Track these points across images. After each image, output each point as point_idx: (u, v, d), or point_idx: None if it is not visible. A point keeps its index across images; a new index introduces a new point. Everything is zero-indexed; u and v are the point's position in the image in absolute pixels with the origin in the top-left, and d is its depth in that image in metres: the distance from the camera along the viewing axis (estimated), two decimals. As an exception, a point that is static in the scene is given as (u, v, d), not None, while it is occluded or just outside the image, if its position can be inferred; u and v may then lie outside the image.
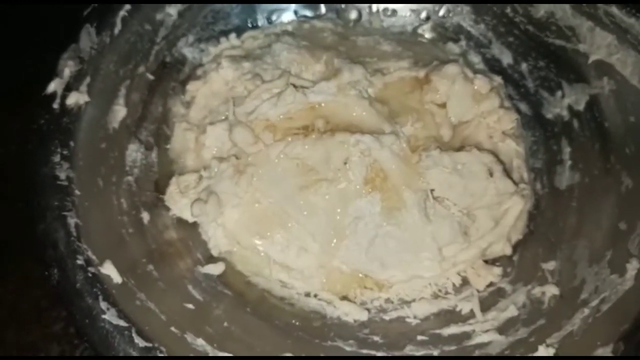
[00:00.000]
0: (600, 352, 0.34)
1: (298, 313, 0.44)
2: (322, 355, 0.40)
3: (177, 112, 0.50)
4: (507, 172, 0.46)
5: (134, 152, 0.46)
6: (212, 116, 0.49)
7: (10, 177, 0.43)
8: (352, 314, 0.43)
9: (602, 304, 0.37)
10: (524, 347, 0.38)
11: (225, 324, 0.40)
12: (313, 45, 0.52)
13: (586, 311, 0.38)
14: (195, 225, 0.46)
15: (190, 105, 0.50)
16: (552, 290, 0.41)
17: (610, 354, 0.33)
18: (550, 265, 0.43)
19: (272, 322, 0.42)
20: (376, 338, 0.42)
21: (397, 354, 0.40)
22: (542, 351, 0.36)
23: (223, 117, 0.48)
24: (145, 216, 0.43)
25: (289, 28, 0.55)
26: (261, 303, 0.44)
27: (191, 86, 0.50)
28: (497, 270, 0.44)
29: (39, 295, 0.40)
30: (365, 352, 0.40)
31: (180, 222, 0.46)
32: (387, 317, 0.43)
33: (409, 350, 0.40)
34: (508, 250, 0.45)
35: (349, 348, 0.41)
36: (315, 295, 0.44)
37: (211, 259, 0.45)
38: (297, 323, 0.42)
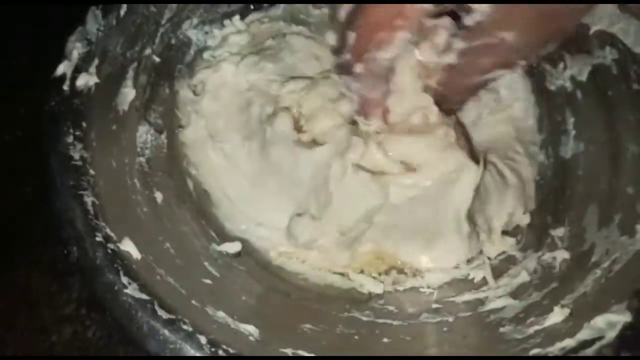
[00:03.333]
0: (615, 308, 0.34)
1: (312, 288, 0.44)
2: (339, 325, 0.40)
3: (185, 96, 0.51)
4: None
5: (144, 134, 0.46)
6: (226, 114, 0.49)
7: (24, 159, 0.43)
8: (366, 285, 0.44)
9: (614, 265, 0.38)
10: (539, 309, 0.38)
11: (243, 297, 0.40)
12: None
13: (598, 272, 0.38)
14: (207, 203, 0.47)
15: (202, 93, 0.50)
16: (563, 255, 0.42)
17: (625, 310, 0.34)
18: (560, 232, 0.44)
19: (288, 295, 0.42)
20: (391, 308, 0.43)
21: (412, 321, 0.40)
22: (557, 312, 0.37)
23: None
24: (159, 196, 0.44)
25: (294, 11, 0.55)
26: (275, 278, 0.44)
27: (201, 74, 0.51)
28: (511, 241, 0.45)
29: (50, 279, 0.40)
30: (381, 321, 0.41)
31: (193, 202, 0.46)
32: (401, 288, 0.44)
33: (424, 318, 0.41)
34: (526, 220, 0.46)
35: (365, 318, 0.41)
36: (329, 269, 0.45)
37: (226, 238, 0.45)
38: (312, 296, 0.43)
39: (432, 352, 0.38)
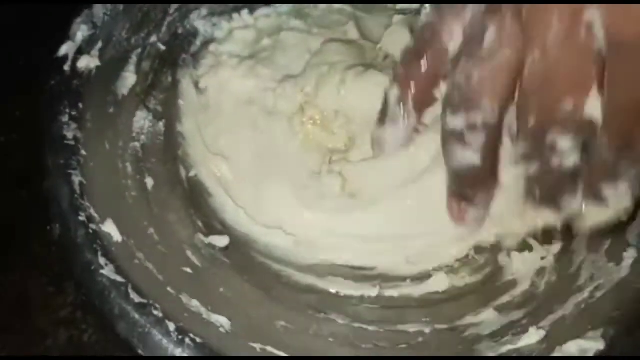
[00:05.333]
0: (590, 335, 0.34)
1: (294, 285, 0.44)
2: (314, 325, 0.40)
3: (188, 87, 0.51)
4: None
5: (142, 120, 0.47)
6: (225, 122, 0.49)
7: (19, 134, 0.44)
8: (347, 288, 0.44)
9: (597, 291, 0.38)
10: (515, 329, 0.38)
11: (222, 289, 0.40)
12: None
13: (580, 297, 0.38)
14: (198, 193, 0.47)
15: (203, 92, 0.51)
16: (550, 275, 0.41)
17: (599, 338, 0.33)
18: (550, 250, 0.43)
19: (268, 292, 0.42)
20: (371, 317, 0.42)
21: (389, 328, 0.40)
22: (532, 333, 0.36)
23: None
24: (150, 182, 0.44)
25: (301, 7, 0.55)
26: (259, 274, 0.44)
27: (203, 70, 0.51)
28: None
29: (45, 282, 0.40)
30: (357, 325, 0.41)
31: (184, 191, 0.47)
32: (386, 294, 0.44)
33: (401, 327, 0.41)
34: None
35: (341, 321, 0.41)
36: (313, 270, 0.45)
37: (214, 230, 0.46)
38: (292, 295, 0.43)
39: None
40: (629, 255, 0.38)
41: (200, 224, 0.45)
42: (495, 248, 0.43)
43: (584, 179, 0.31)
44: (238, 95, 0.49)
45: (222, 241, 0.45)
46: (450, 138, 0.33)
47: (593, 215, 0.33)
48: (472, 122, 0.31)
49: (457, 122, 0.31)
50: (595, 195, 0.31)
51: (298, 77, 0.48)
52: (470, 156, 0.32)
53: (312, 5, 0.55)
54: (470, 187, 0.34)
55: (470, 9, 0.31)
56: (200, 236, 0.44)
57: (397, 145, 0.39)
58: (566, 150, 0.29)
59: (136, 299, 0.34)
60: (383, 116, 0.38)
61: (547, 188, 0.32)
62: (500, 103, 0.30)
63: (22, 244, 0.41)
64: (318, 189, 0.46)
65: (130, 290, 0.35)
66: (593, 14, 0.27)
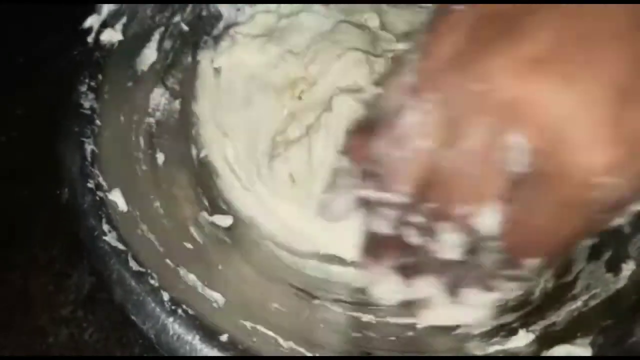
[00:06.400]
0: (578, 342, 0.34)
1: (293, 270, 0.45)
2: (307, 310, 0.41)
3: (206, 68, 0.52)
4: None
5: (158, 96, 0.48)
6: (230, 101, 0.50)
7: (20, 132, 0.45)
8: (344, 279, 0.44)
9: (591, 300, 0.37)
10: (506, 330, 0.38)
11: (220, 267, 0.41)
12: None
13: (573, 305, 0.38)
14: (207, 173, 0.48)
15: (219, 72, 0.51)
16: (546, 283, 0.41)
17: (587, 345, 0.33)
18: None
19: (265, 274, 0.43)
20: (364, 309, 0.43)
21: (380, 319, 0.41)
22: (521, 335, 0.36)
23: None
24: (160, 157, 0.45)
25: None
26: (258, 256, 0.45)
27: (218, 60, 0.51)
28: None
29: (46, 280, 0.41)
30: (349, 313, 0.41)
31: (194, 169, 0.48)
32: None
33: (392, 320, 0.41)
34: None
35: (335, 309, 0.42)
36: (313, 257, 0.46)
37: (219, 210, 0.46)
38: (290, 279, 0.44)
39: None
40: (628, 267, 0.38)
41: (206, 202, 0.46)
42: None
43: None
44: (246, 73, 0.50)
45: (225, 221, 0.45)
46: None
47: None
48: (382, 198, 0.30)
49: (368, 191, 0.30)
50: (454, 293, 0.31)
51: (300, 54, 0.48)
52: (381, 225, 0.31)
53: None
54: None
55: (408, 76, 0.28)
56: (205, 214, 0.45)
57: (347, 212, 0.36)
58: (450, 245, 0.29)
59: (135, 267, 0.35)
60: (332, 182, 0.37)
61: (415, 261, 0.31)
62: (412, 186, 0.29)
63: (23, 243, 0.42)
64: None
65: (130, 258, 0.36)
66: (519, 138, 0.25)
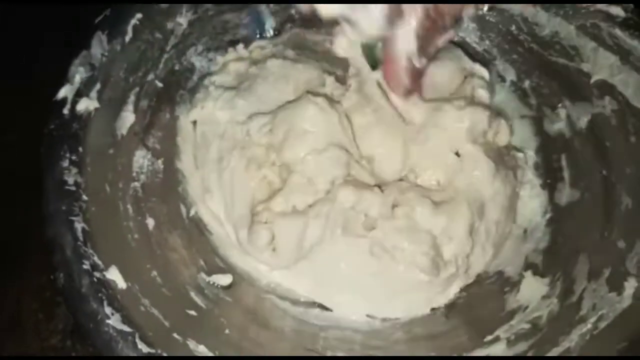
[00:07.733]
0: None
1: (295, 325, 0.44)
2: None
3: (185, 123, 0.51)
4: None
5: (141, 159, 0.46)
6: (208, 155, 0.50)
7: (19, 182, 0.43)
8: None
9: (600, 322, 0.38)
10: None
11: (227, 331, 0.40)
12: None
13: (584, 328, 0.38)
14: (199, 231, 0.47)
15: (195, 125, 0.51)
16: (553, 304, 0.42)
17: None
18: (549, 280, 0.44)
19: (273, 329, 0.42)
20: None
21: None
22: (539, 366, 0.36)
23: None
24: (151, 222, 0.44)
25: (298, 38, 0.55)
26: (264, 312, 0.44)
27: (192, 113, 0.51)
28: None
29: (37, 307, 0.40)
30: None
31: (185, 229, 0.47)
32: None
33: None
34: None
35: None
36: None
37: (217, 269, 0.46)
38: (295, 332, 0.43)
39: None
40: (630, 285, 0.39)
41: (202, 262, 0.45)
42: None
43: None
44: (217, 130, 0.49)
45: (224, 280, 0.45)
46: None
47: None
48: None
49: None
50: None
51: (268, 115, 0.48)
52: None
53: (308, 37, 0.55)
54: None
55: None
56: (203, 275, 0.44)
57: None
58: None
59: (144, 348, 0.34)
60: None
61: None
62: None
63: (16, 267, 0.41)
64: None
65: (137, 340, 0.34)
66: None
